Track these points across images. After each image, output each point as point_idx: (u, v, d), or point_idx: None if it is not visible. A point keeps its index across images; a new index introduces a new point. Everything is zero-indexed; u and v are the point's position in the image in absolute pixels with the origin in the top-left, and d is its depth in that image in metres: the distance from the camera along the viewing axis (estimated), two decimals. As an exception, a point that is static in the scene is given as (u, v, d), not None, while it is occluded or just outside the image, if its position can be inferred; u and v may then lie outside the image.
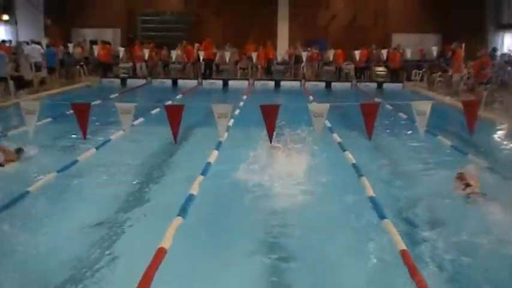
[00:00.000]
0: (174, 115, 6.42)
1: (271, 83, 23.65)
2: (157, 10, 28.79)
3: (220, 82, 23.74)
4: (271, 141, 7.04)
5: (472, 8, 24.34)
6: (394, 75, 24.42)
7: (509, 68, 17.15)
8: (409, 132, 10.98)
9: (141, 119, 11.70)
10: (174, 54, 24.53)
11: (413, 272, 4.42)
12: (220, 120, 6.59)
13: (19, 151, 8.40)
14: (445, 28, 26.30)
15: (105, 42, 25.44)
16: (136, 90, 21.85)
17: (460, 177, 6.86)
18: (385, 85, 23.47)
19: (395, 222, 5.77)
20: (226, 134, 7.19)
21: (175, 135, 6.63)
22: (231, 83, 23.64)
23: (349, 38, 27.11)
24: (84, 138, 7.06)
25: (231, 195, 7.04)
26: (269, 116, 6.62)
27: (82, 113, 6.76)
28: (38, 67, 19.04)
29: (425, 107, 6.85)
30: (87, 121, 6.85)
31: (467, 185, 6.63)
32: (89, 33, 27.81)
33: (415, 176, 8.11)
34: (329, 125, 11.04)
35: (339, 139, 10.06)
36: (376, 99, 17.81)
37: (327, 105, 7.07)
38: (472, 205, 6.25)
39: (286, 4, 27.95)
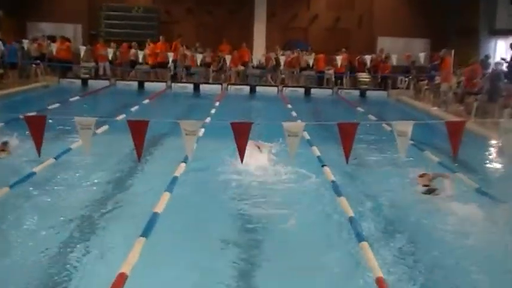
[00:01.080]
0: (137, 131, 6.30)
1: (246, 88, 23.77)
2: (123, 5, 28.52)
3: (191, 86, 23.79)
4: (242, 161, 6.92)
5: (464, 12, 24.80)
6: (379, 82, 24.81)
7: (505, 80, 17.37)
8: (394, 145, 11.11)
9: (105, 127, 11.65)
10: (141, 54, 24.38)
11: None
12: (188, 137, 6.43)
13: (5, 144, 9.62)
14: (435, 33, 26.72)
15: (64, 39, 25.09)
16: (99, 92, 21.74)
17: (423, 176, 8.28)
18: (368, 93, 23.83)
19: (372, 243, 5.95)
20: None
21: (139, 153, 6.54)
22: (202, 87, 23.66)
23: (331, 41, 27.38)
24: (39, 155, 6.89)
25: (198, 212, 7.09)
26: (240, 134, 6.52)
27: (37, 127, 6.58)
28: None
29: (407, 127, 6.75)
30: (43, 136, 6.66)
31: (426, 186, 8.04)
32: (47, 28, 27.47)
33: (398, 194, 8.23)
34: (308, 137, 11.18)
35: (318, 152, 10.17)
36: (359, 109, 18.11)
37: (302, 124, 7.10)
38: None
39: (263, 4, 27.99)
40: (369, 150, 11.39)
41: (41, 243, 5.97)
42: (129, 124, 6.29)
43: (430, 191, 7.92)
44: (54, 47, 23.97)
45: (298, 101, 20.49)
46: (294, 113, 15.84)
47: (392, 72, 24.76)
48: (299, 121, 13.24)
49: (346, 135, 6.66)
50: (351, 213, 6.78)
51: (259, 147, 9.53)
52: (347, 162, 6.87)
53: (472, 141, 10.92)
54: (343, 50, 25.04)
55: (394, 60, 24.35)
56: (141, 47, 24.94)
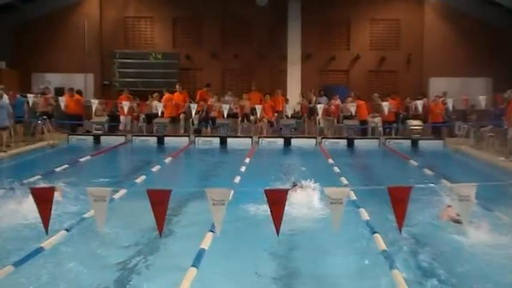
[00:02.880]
0: (158, 202, 6.18)
1: (280, 141, 23.87)
2: (138, 51, 29.23)
3: (217, 140, 23.97)
4: (278, 233, 6.60)
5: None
6: (434, 130, 24.63)
7: None
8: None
9: (123, 192, 11.65)
10: (159, 106, 24.67)
11: None
12: (215, 207, 6.27)
13: None
14: (496, 71, 26.53)
15: (73, 91, 25.34)
16: (114, 150, 22.06)
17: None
18: (421, 142, 23.68)
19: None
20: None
21: (160, 227, 6.41)
22: (230, 140, 23.86)
23: (375, 85, 27.56)
24: (47, 232, 6.76)
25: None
26: (276, 202, 6.33)
27: (44, 200, 6.39)
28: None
29: (469, 190, 6.52)
30: (50, 210, 6.49)
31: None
32: (55, 79, 28.27)
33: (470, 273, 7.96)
34: (354, 197, 11.06)
35: (367, 216, 10.01)
36: (412, 162, 17.93)
37: (346, 190, 6.96)
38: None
39: (298, 45, 28.05)
40: (428, 210, 11.04)
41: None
42: (149, 194, 6.22)
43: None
44: (62, 101, 24.21)
45: (340, 154, 20.47)
46: (336, 169, 15.74)
47: (448, 117, 24.56)
48: (343, 179, 13.26)
49: (398, 201, 6.41)
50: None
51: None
52: (400, 232, 6.64)
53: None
54: (375, 94, 25.19)
55: (450, 104, 23.87)
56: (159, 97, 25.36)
